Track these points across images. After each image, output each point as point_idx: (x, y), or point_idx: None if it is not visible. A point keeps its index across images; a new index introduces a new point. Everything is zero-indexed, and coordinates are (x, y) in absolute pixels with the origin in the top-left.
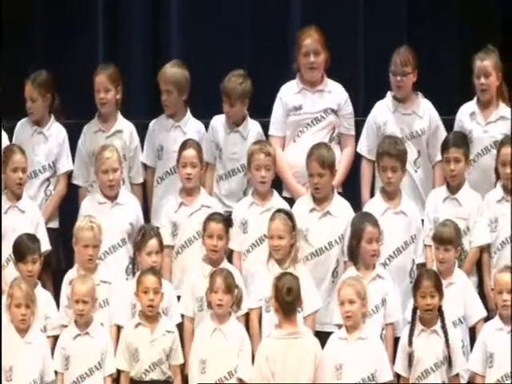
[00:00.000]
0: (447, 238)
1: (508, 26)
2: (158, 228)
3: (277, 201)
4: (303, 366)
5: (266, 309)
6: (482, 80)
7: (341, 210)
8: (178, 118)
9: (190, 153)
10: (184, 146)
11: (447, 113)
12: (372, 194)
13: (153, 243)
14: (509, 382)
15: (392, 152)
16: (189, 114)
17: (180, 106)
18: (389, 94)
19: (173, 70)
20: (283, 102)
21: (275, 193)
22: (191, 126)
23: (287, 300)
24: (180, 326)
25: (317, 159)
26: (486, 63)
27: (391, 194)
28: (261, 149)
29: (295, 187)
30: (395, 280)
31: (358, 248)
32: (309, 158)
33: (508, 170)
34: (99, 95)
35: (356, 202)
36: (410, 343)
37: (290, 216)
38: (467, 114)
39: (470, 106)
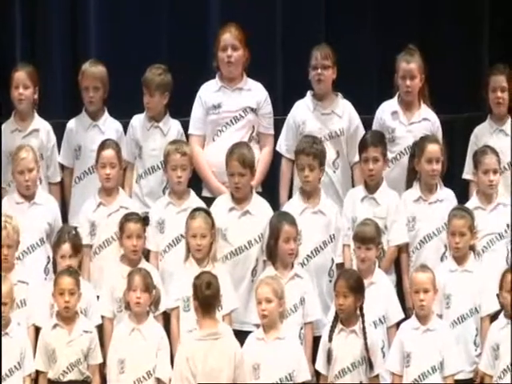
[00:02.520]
0: (369, 236)
1: (425, 26)
2: (75, 229)
3: (194, 200)
4: (223, 367)
5: (185, 308)
6: (408, 82)
7: (260, 209)
8: (96, 117)
9: (109, 153)
10: (103, 146)
11: (366, 112)
12: (291, 194)
13: (66, 247)
14: (425, 381)
15: (309, 150)
16: (106, 113)
17: (101, 104)
18: (308, 94)
19: (99, 68)
20: (203, 101)
21: (192, 192)
22: (109, 125)
23: (206, 294)
24: (100, 327)
25: (237, 158)
26: (412, 66)
27: (310, 194)
28: (177, 149)
29: (216, 186)
30: (314, 279)
31: (276, 247)
32: (229, 158)
33: (435, 167)
34: (17, 91)
35: (275, 202)
36: (330, 340)
37: (209, 214)
38: (389, 113)
39: (392, 105)
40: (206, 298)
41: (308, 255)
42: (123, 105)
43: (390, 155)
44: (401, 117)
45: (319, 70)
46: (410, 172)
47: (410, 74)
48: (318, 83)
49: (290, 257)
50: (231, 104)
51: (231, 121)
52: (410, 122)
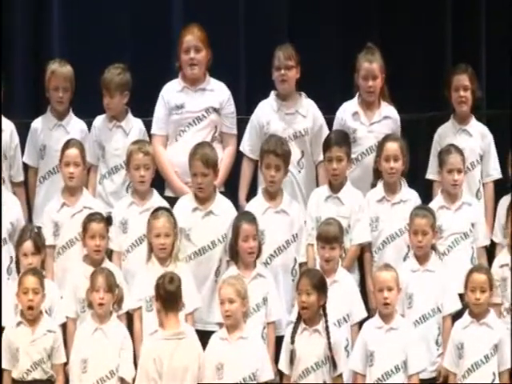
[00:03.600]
0: (333, 236)
1: (387, 26)
2: (38, 228)
3: (156, 200)
4: (189, 367)
5: (147, 308)
6: (370, 83)
7: (223, 209)
8: (62, 117)
9: (73, 152)
10: (67, 145)
11: (329, 111)
12: (251, 193)
13: (27, 245)
14: (389, 380)
15: (278, 151)
16: (71, 113)
17: (68, 104)
18: (272, 94)
19: (68, 68)
20: (165, 101)
21: (155, 192)
22: (74, 125)
23: (169, 289)
24: (64, 326)
25: (200, 159)
26: (374, 66)
27: (273, 194)
28: (139, 148)
29: (179, 186)
30: (278, 279)
31: (236, 246)
32: (192, 158)
33: (393, 164)
34: None
35: (238, 201)
36: (293, 341)
37: (171, 214)
38: (349, 114)
39: (352, 106)
40: (169, 293)
41: (271, 254)
42: (87, 105)
43: (351, 156)
44: (362, 117)
45: (282, 71)
46: (375, 172)
47: (372, 74)
48: (282, 84)
49: (249, 256)
50: (194, 104)
51: (194, 121)
52: (371, 123)
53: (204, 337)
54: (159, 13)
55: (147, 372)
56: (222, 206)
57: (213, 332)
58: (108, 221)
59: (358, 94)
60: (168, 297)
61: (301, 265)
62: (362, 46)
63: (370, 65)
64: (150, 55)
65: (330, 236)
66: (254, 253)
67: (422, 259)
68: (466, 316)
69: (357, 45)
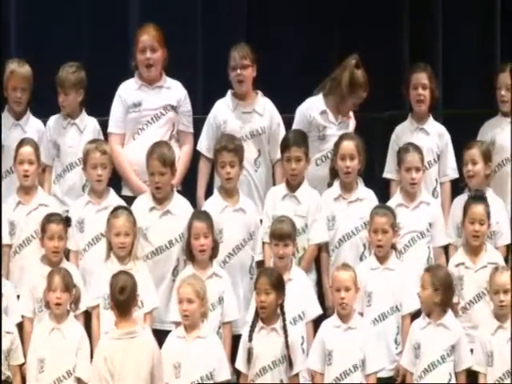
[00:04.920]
0: (286, 233)
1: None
2: None
3: (113, 199)
4: (141, 366)
5: (105, 306)
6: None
7: (181, 208)
8: (20, 116)
9: (27, 150)
10: (21, 143)
11: (285, 111)
12: (208, 193)
13: None
14: (347, 379)
15: (230, 147)
16: (29, 112)
17: (26, 104)
18: (229, 93)
19: (26, 68)
20: (122, 99)
21: (112, 191)
22: (31, 124)
23: (119, 299)
24: (20, 325)
25: (158, 158)
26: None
27: (229, 192)
28: (96, 147)
29: (138, 185)
30: (236, 277)
31: (190, 245)
32: (149, 157)
33: (348, 163)
34: None
35: (195, 201)
36: (250, 339)
37: (131, 212)
38: (318, 111)
39: (320, 104)
40: (120, 302)
41: (230, 253)
42: (44, 104)
43: (319, 154)
44: (330, 116)
45: (238, 71)
46: (331, 171)
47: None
48: (238, 83)
49: (201, 254)
50: (151, 102)
51: (152, 119)
52: (340, 121)
53: (161, 336)
54: (116, 12)
55: (99, 371)
56: (180, 205)
57: (170, 331)
58: (67, 222)
59: (323, 94)
60: (119, 305)
61: (257, 263)
62: (320, 46)
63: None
64: (107, 55)
65: (283, 233)
66: (205, 251)
67: (381, 258)
68: (424, 316)
69: (315, 45)
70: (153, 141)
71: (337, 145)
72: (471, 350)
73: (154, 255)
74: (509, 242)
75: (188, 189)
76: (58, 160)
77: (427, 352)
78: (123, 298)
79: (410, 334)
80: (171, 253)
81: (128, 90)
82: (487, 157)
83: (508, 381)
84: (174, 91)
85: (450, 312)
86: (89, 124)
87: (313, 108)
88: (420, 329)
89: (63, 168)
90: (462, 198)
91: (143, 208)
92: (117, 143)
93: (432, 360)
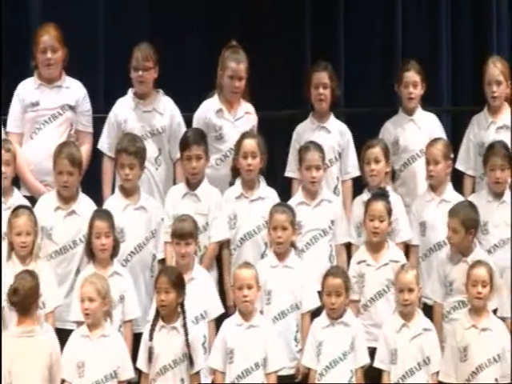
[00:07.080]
0: (187, 232)
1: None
2: None
3: (17, 198)
4: (38, 365)
5: (10, 307)
6: (237, 83)
7: (86, 209)
8: None
9: None
10: None
11: (186, 110)
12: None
13: None
14: (248, 378)
15: (130, 149)
16: None
17: None
18: (130, 92)
19: None
20: (20, 99)
21: (16, 190)
22: None
23: (13, 300)
24: None
25: (67, 157)
26: (242, 67)
27: (129, 191)
28: (2, 146)
29: (35, 185)
30: (138, 276)
31: (91, 244)
32: (58, 156)
33: (250, 161)
34: None
35: (96, 200)
36: (151, 338)
37: (32, 212)
38: (213, 111)
39: (215, 103)
40: (14, 304)
41: (132, 251)
42: None
43: (219, 154)
44: (226, 114)
45: (140, 72)
46: (233, 171)
47: (239, 75)
48: (140, 84)
49: (102, 253)
50: (50, 101)
51: (49, 118)
52: (236, 118)
53: (63, 335)
54: (17, 8)
55: (3, 368)
56: (85, 205)
57: (72, 330)
58: None
59: (219, 92)
60: (14, 306)
61: (159, 262)
62: (221, 46)
63: (238, 65)
64: (6, 53)
65: (184, 232)
66: (106, 250)
67: (281, 255)
68: (324, 315)
69: (216, 44)
70: (50, 140)
71: (238, 143)
72: (374, 348)
73: (57, 255)
74: (407, 239)
75: (88, 188)
76: None
77: (328, 350)
78: (17, 300)
79: (311, 332)
80: (75, 253)
81: (26, 89)
82: (387, 155)
83: (410, 380)
84: (73, 91)
85: (348, 310)
86: None
87: (209, 109)
88: (321, 327)
89: None
90: (362, 198)
91: (48, 208)
92: (15, 142)
93: (333, 357)
